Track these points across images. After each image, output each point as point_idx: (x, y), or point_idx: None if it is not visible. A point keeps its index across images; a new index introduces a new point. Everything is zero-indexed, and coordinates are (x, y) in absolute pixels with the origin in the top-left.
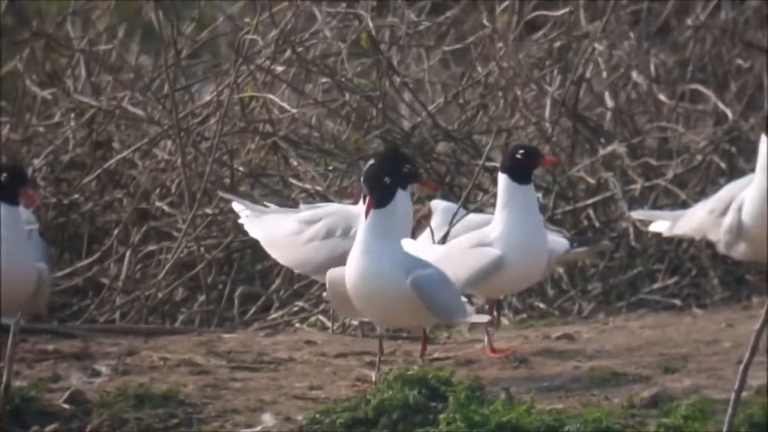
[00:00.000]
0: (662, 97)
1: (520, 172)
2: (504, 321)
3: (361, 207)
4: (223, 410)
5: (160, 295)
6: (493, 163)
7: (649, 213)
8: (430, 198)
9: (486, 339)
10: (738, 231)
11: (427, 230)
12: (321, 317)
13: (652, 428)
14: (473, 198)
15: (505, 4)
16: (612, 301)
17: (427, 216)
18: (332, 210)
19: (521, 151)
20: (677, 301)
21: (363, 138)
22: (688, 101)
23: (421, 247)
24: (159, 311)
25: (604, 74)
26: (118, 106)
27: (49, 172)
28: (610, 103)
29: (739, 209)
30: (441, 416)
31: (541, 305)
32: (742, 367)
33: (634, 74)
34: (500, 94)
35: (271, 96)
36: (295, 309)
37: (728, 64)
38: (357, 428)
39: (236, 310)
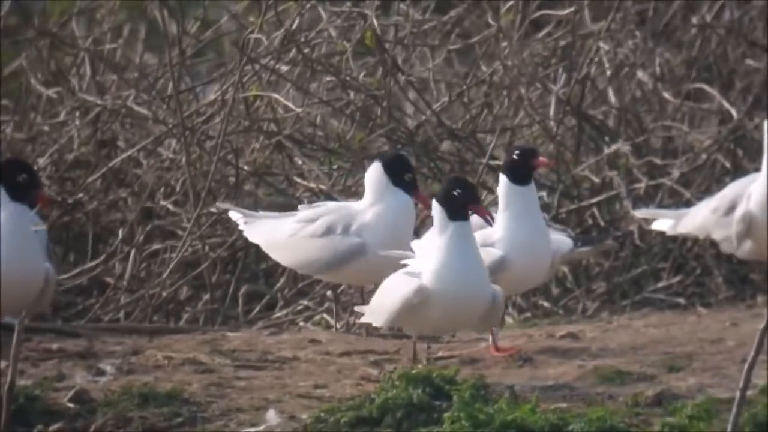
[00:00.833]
0: (667, 96)
1: (518, 173)
2: (508, 320)
3: (359, 204)
4: (228, 409)
5: (164, 293)
6: (496, 162)
7: (653, 212)
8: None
9: (490, 338)
10: (750, 221)
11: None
12: (325, 316)
13: (657, 427)
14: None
15: (510, 3)
16: (616, 300)
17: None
18: (331, 208)
19: (517, 152)
20: (682, 300)
21: (368, 137)
22: (693, 100)
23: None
24: (163, 310)
25: (609, 73)
26: (123, 105)
27: (54, 171)
28: (614, 101)
29: (749, 198)
30: (445, 415)
31: (546, 304)
32: (746, 366)
33: (639, 73)
34: (504, 93)
35: (275, 95)
36: (300, 308)
37: (733, 64)
38: (361, 427)
39: (240, 308)
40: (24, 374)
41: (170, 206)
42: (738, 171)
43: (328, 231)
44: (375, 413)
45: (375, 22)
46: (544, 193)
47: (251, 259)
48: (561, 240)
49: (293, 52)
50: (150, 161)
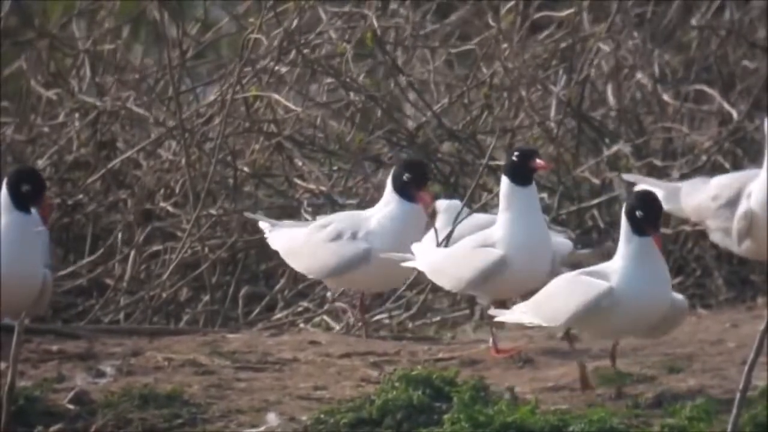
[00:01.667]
0: (667, 97)
1: (518, 174)
2: None
3: (369, 211)
4: (228, 410)
5: (164, 295)
6: (496, 163)
7: (641, 178)
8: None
9: (491, 339)
10: (751, 219)
11: (432, 231)
12: (326, 317)
13: (657, 428)
14: (477, 198)
15: (510, 4)
16: None
17: (432, 216)
18: (343, 215)
19: (517, 153)
20: None
21: (368, 138)
22: (693, 102)
23: (426, 248)
24: (163, 311)
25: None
26: (123, 107)
27: (54, 173)
28: (614, 103)
29: (749, 197)
30: (445, 416)
31: None
32: (746, 367)
33: (639, 74)
34: (505, 94)
35: (275, 96)
36: (300, 309)
37: (733, 65)
38: (361, 428)
39: (240, 310)
40: (24, 375)
41: (170, 208)
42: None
43: (337, 237)
44: (375, 415)
45: (375, 23)
46: (545, 195)
47: (251, 260)
48: (561, 242)
49: (293, 53)
50: (150, 163)
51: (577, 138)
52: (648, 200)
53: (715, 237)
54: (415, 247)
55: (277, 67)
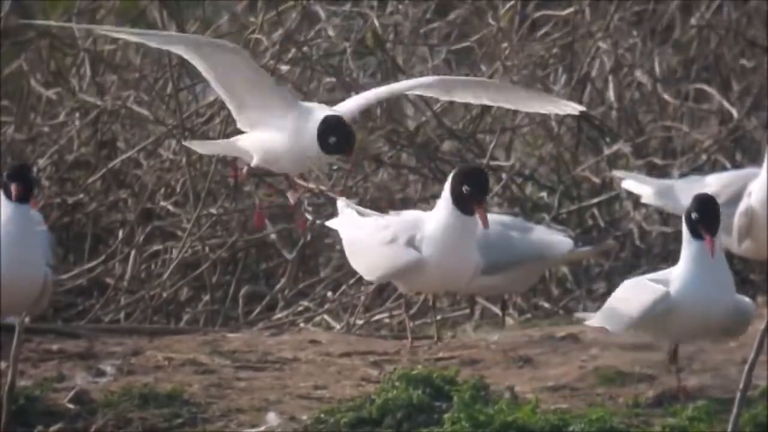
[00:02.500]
0: (666, 96)
1: (463, 205)
2: (509, 320)
3: (428, 214)
4: (228, 410)
5: (164, 294)
6: (497, 162)
7: (632, 175)
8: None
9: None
10: (751, 217)
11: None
12: (326, 317)
13: (657, 428)
14: None
15: (510, 3)
16: None
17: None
18: (404, 218)
19: (467, 188)
20: None
21: (367, 137)
22: (693, 101)
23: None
24: (163, 311)
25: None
26: (123, 106)
27: (54, 172)
28: (614, 102)
29: (749, 195)
30: (445, 416)
31: (546, 305)
32: (747, 367)
33: (639, 73)
34: None
35: None
36: (300, 309)
37: (732, 64)
38: (361, 428)
39: (241, 309)
40: (24, 375)
41: (170, 207)
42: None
43: (392, 241)
44: (375, 414)
45: (376, 21)
46: (544, 194)
47: (251, 259)
48: (561, 240)
49: (293, 51)
50: (150, 162)
51: (577, 137)
52: (705, 203)
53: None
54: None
55: (277, 66)
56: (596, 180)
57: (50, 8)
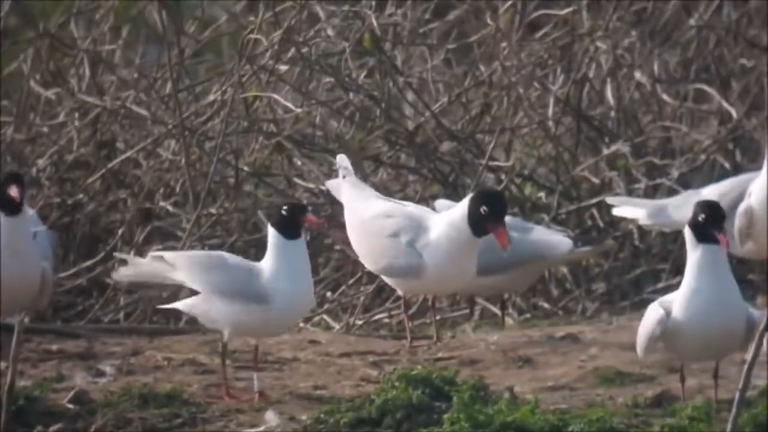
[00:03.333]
0: (665, 96)
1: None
2: (508, 321)
3: (435, 217)
4: (228, 410)
5: (164, 294)
6: (496, 163)
7: (623, 200)
8: (434, 198)
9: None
10: (751, 217)
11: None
12: (325, 317)
13: (657, 428)
14: None
15: (509, 3)
16: (616, 301)
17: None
18: (409, 212)
19: (286, 208)
20: None
21: (367, 138)
22: (692, 101)
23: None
24: (163, 311)
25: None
26: (123, 106)
27: (54, 172)
28: (612, 102)
29: (750, 195)
30: (445, 416)
31: (545, 305)
32: (746, 367)
33: (638, 74)
34: (504, 93)
35: (275, 96)
36: None
37: (731, 64)
38: (361, 428)
39: None
40: (24, 375)
41: (170, 207)
42: (738, 171)
43: (394, 235)
44: (375, 414)
45: (374, 21)
46: (543, 194)
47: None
48: (560, 240)
49: (292, 51)
50: (149, 162)
51: (576, 137)
52: (711, 205)
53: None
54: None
55: (276, 66)
56: (595, 180)
57: (50, 8)
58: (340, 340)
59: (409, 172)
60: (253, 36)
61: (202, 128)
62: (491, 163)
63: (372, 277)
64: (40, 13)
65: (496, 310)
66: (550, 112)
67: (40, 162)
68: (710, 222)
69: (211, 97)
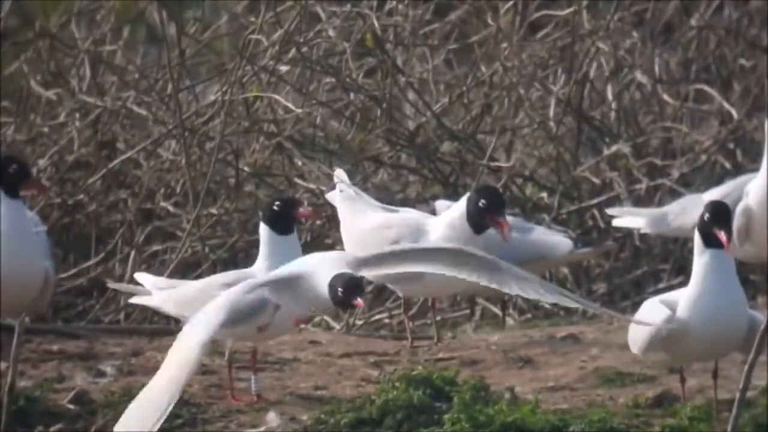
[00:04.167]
0: (666, 97)
1: (279, 223)
2: (509, 321)
3: (433, 221)
4: (228, 410)
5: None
6: (497, 163)
7: (623, 210)
8: (434, 198)
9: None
10: (749, 216)
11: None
12: (326, 317)
13: (657, 428)
14: None
15: (509, 4)
16: (617, 301)
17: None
18: (408, 218)
19: (278, 202)
20: None
21: (367, 137)
22: (693, 101)
23: (160, 281)
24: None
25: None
26: (123, 106)
27: (54, 173)
28: (613, 102)
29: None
30: (446, 416)
31: (546, 305)
32: (746, 367)
33: (638, 74)
34: (504, 93)
35: (275, 96)
36: None
37: (732, 64)
38: (361, 428)
39: None
40: (24, 375)
41: (170, 207)
42: (738, 171)
43: (395, 242)
44: (375, 414)
45: (375, 22)
46: (544, 194)
47: (252, 259)
48: (560, 241)
49: (292, 52)
50: (150, 162)
51: (577, 137)
52: (718, 205)
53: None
54: (145, 278)
55: (277, 66)
56: (596, 180)
57: (50, 8)
58: (340, 340)
59: (409, 172)
60: (253, 36)
61: (203, 128)
62: (492, 163)
63: None
64: (40, 13)
65: (497, 310)
66: (551, 112)
67: (41, 162)
68: (713, 222)
69: (212, 98)
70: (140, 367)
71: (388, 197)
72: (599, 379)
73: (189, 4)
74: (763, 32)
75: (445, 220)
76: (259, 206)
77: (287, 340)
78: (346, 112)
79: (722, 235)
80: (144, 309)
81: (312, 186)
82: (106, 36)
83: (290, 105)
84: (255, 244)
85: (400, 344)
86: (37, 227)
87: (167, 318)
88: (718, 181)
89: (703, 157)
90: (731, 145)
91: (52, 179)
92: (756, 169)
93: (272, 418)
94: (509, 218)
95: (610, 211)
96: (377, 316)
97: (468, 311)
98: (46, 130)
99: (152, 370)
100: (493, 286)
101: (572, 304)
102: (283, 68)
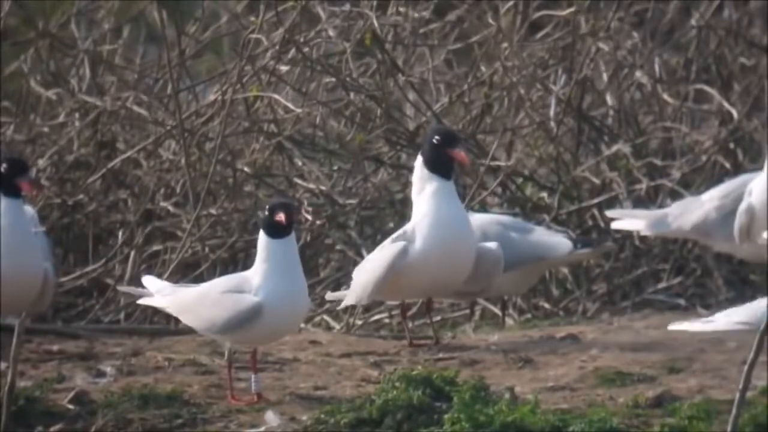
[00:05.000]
0: (666, 97)
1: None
2: (509, 321)
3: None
4: (228, 410)
5: None
6: (497, 163)
7: (623, 212)
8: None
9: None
10: (752, 216)
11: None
12: (326, 317)
13: (657, 428)
14: (478, 197)
15: (509, 4)
16: (617, 301)
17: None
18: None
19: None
20: (682, 301)
21: (367, 137)
22: (693, 101)
23: (164, 284)
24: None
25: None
26: (123, 107)
27: (54, 173)
28: (614, 102)
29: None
30: (446, 416)
31: (546, 305)
32: (746, 367)
33: (638, 74)
34: (504, 93)
35: (275, 96)
36: None
37: (732, 64)
38: (361, 428)
39: None
40: (24, 375)
41: (170, 207)
42: (738, 172)
43: (381, 246)
44: (375, 414)
45: (375, 21)
46: (544, 194)
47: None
48: (560, 241)
49: (293, 52)
50: (150, 162)
51: (577, 138)
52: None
53: (722, 247)
54: (150, 281)
55: (277, 66)
56: (596, 181)
57: (50, 8)
58: (340, 340)
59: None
60: (253, 36)
61: (202, 129)
62: (492, 163)
63: None
64: (40, 13)
65: (497, 310)
66: (552, 112)
67: (41, 162)
68: (444, 143)
69: (211, 98)
70: (140, 367)
71: (388, 197)
72: (599, 379)
73: (189, 4)
74: (763, 32)
75: (414, 196)
76: (259, 206)
77: (287, 340)
78: (346, 112)
79: (457, 153)
80: (144, 309)
81: (312, 186)
82: (105, 36)
83: (290, 105)
84: (255, 244)
85: (399, 344)
86: (37, 227)
87: (167, 318)
88: (718, 181)
89: (704, 158)
90: (731, 145)
91: (52, 179)
92: (756, 169)
93: (272, 418)
94: (509, 218)
95: (609, 213)
96: (377, 316)
97: (468, 311)
98: (45, 130)
99: (152, 370)
100: None
101: None
102: (283, 68)
